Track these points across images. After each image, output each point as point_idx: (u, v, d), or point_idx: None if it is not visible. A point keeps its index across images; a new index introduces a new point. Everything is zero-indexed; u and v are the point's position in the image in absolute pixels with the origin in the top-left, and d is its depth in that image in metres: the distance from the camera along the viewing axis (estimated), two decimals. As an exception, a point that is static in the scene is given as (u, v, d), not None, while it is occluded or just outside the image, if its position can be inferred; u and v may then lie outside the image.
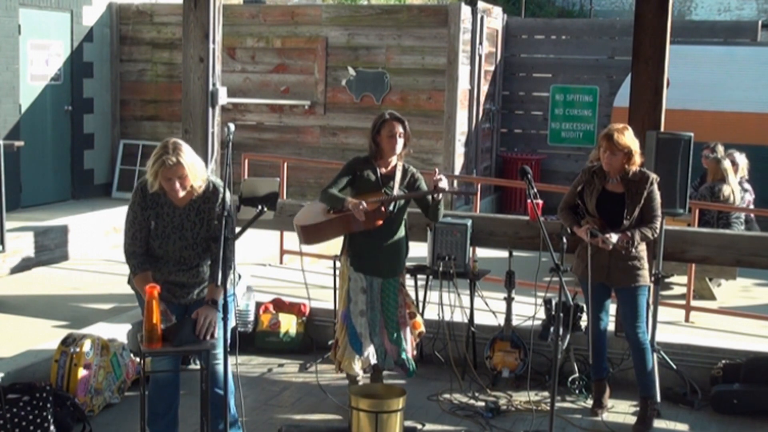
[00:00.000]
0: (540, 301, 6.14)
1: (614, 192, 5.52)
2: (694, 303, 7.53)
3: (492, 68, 13.41)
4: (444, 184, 5.29)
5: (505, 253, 6.42)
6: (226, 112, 10.38)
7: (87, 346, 5.50)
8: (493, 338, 6.27)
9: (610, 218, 5.49)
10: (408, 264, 5.91)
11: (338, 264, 5.87)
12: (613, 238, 5.37)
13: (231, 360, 4.69)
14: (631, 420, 5.63)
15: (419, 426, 5.47)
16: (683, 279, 7.83)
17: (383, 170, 5.54)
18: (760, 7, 21.53)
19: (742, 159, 9.25)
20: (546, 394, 5.99)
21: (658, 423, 5.59)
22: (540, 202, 5.24)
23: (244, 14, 12.09)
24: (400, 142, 5.47)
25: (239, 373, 4.74)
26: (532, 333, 6.23)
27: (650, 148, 5.84)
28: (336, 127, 11.88)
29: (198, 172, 4.48)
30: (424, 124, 11.43)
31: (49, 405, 4.98)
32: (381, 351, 5.64)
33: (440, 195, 5.40)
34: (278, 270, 8.52)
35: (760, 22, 14.13)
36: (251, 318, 6.82)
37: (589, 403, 5.88)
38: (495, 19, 13.23)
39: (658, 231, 5.58)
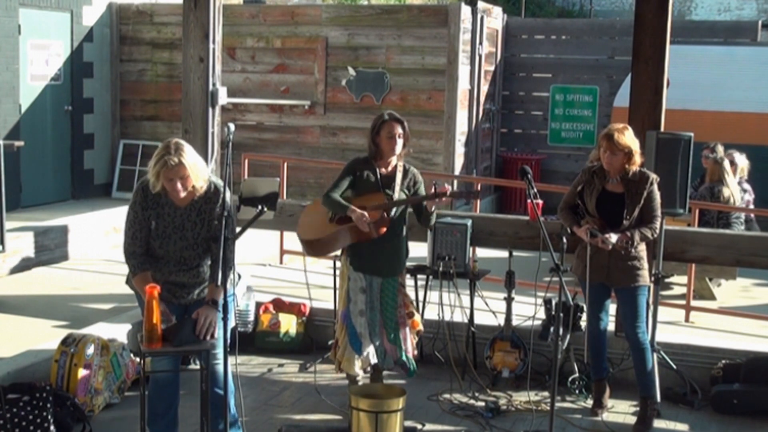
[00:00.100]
0: (540, 301, 6.14)
1: (614, 192, 5.52)
2: (694, 303, 7.53)
3: (492, 68, 13.40)
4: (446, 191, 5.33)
5: (505, 253, 6.42)
6: (226, 112, 10.38)
7: (87, 346, 5.50)
8: (493, 338, 6.28)
9: (609, 218, 5.49)
10: (408, 264, 5.91)
11: (338, 264, 5.87)
12: (613, 238, 5.37)
13: (231, 360, 4.69)
14: (631, 420, 5.63)
15: (419, 426, 5.47)
16: (683, 279, 7.83)
17: (383, 170, 5.54)
18: (760, 7, 21.53)
19: (741, 159, 9.25)
20: (546, 394, 5.99)
21: (658, 423, 5.59)
22: (540, 202, 5.24)
23: (244, 14, 12.09)
24: (400, 142, 5.47)
25: (239, 373, 4.75)
26: (532, 333, 6.23)
27: (650, 148, 5.84)
28: (336, 127, 11.88)
29: (200, 172, 4.49)
30: (424, 124, 11.43)
31: (49, 405, 4.98)
32: (381, 351, 5.64)
33: (433, 208, 5.47)
34: (278, 270, 8.52)
35: (760, 22, 14.12)
36: (251, 318, 6.82)
37: (589, 403, 5.88)
38: (495, 19, 13.23)
39: (657, 231, 5.58)
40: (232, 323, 4.71)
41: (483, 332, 6.46)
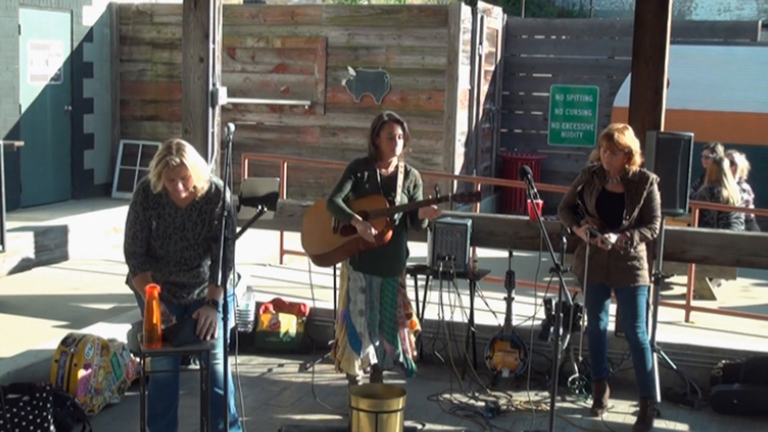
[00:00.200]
0: (540, 301, 6.14)
1: (614, 192, 5.52)
2: (694, 303, 7.53)
3: (492, 68, 13.41)
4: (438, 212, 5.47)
5: (505, 253, 6.42)
6: (226, 112, 10.38)
7: (87, 346, 5.50)
8: (493, 338, 6.27)
9: (609, 218, 5.49)
10: (408, 264, 5.92)
11: (338, 264, 5.87)
12: (612, 238, 5.37)
13: (231, 360, 4.69)
14: (631, 420, 5.63)
15: (419, 426, 5.47)
16: (683, 279, 7.83)
17: (384, 171, 5.54)
18: (760, 7, 21.52)
19: (741, 159, 9.24)
20: (546, 394, 5.99)
21: (658, 423, 5.59)
22: (540, 202, 5.24)
23: (244, 14, 12.09)
24: (400, 143, 5.48)
25: (239, 373, 4.75)
26: (532, 333, 6.22)
27: (650, 148, 5.84)
28: (336, 127, 11.88)
29: (201, 173, 4.49)
30: (424, 124, 11.43)
31: (49, 405, 4.98)
32: (380, 351, 5.65)
33: (426, 223, 5.61)
34: (278, 270, 8.52)
35: (760, 22, 14.12)
36: (251, 318, 6.82)
37: (589, 403, 5.88)
38: (495, 19, 13.23)
39: (657, 231, 5.57)
40: (232, 323, 4.71)
41: (483, 332, 6.46)
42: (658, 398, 5.68)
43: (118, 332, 6.09)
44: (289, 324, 6.81)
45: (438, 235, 6.41)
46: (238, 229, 4.56)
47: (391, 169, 5.56)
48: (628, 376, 6.00)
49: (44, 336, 6.19)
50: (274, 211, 5.02)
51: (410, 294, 6.10)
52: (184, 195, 4.48)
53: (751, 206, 9.07)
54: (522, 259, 6.67)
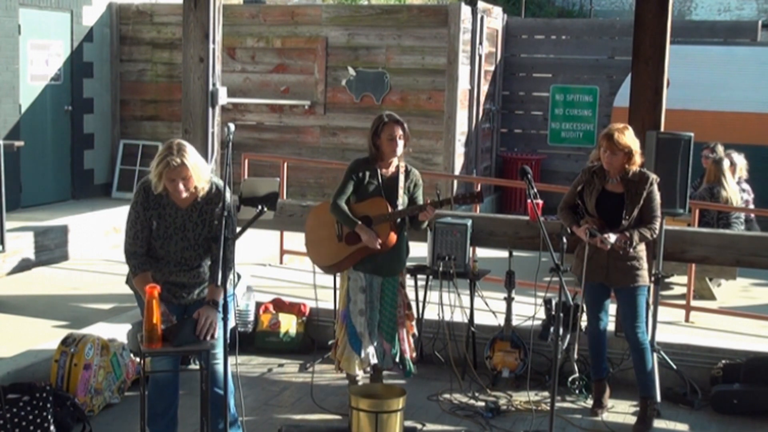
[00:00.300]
0: (540, 301, 6.14)
1: (614, 192, 5.52)
2: (694, 303, 7.53)
3: (492, 68, 13.41)
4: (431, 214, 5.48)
5: (505, 253, 6.42)
6: (226, 112, 10.38)
7: (87, 346, 5.50)
8: (493, 338, 6.27)
9: (609, 218, 5.49)
10: (408, 264, 5.92)
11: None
12: (612, 238, 5.37)
13: (231, 360, 4.69)
14: (631, 420, 5.63)
15: (419, 426, 5.46)
16: (683, 279, 7.83)
17: (384, 171, 5.55)
18: (760, 7, 21.52)
19: (740, 159, 9.24)
20: (546, 394, 5.99)
21: (658, 423, 5.59)
22: (540, 202, 5.24)
23: (244, 14, 12.09)
24: (401, 144, 5.49)
25: (239, 373, 4.75)
26: (532, 333, 6.22)
27: (650, 148, 5.84)
28: (336, 127, 11.88)
29: (202, 173, 4.49)
30: (424, 124, 11.44)
31: (49, 405, 4.98)
32: (380, 351, 5.65)
33: (425, 224, 5.64)
34: (278, 270, 8.52)
35: (760, 22, 14.12)
36: (251, 318, 6.82)
37: (589, 403, 5.88)
38: (495, 19, 13.23)
39: (657, 232, 5.57)
40: (232, 323, 4.71)
41: (483, 332, 6.46)
42: (658, 398, 5.68)
43: (118, 332, 6.09)
44: (289, 324, 6.81)
45: (438, 235, 6.41)
46: (238, 229, 4.57)
47: (392, 169, 5.56)
48: (628, 376, 6.00)
49: (44, 336, 6.19)
50: (274, 211, 5.00)
51: (410, 294, 6.10)
52: (184, 195, 4.48)
53: (751, 206, 9.08)
54: (522, 259, 6.67)
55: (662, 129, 6.11)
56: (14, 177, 9.83)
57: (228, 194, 4.40)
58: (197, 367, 4.97)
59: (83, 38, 11.40)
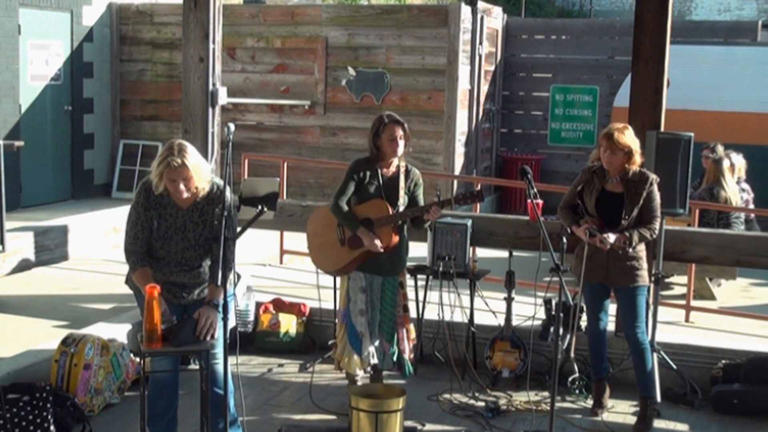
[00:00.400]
0: (540, 301, 6.14)
1: (613, 192, 5.52)
2: (694, 303, 7.53)
3: (492, 68, 13.40)
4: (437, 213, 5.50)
5: (505, 253, 6.42)
6: (226, 112, 10.38)
7: (87, 346, 5.50)
8: (493, 338, 6.27)
9: (609, 218, 5.49)
10: (408, 264, 5.92)
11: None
12: (611, 238, 5.36)
13: (231, 360, 4.69)
14: (631, 420, 5.63)
15: (419, 426, 5.46)
16: (683, 279, 7.83)
17: (385, 171, 5.56)
18: (760, 7, 21.53)
19: (739, 159, 9.23)
20: (546, 394, 5.99)
21: (658, 423, 5.59)
22: (540, 202, 5.25)
23: (244, 14, 12.09)
24: (401, 144, 5.50)
25: (239, 373, 4.74)
26: (532, 333, 6.22)
27: (650, 148, 5.84)
28: (336, 127, 11.88)
29: (202, 173, 4.49)
30: (424, 124, 11.43)
31: (49, 405, 4.98)
32: (380, 351, 5.65)
33: (426, 223, 5.67)
34: (278, 270, 8.52)
35: (760, 22, 14.12)
36: (251, 318, 6.82)
37: (589, 403, 5.88)
38: (495, 19, 13.23)
39: (657, 232, 5.57)
40: (232, 323, 4.72)
41: (483, 332, 6.46)
42: (658, 398, 5.68)
43: (118, 332, 6.09)
44: (289, 324, 6.81)
45: (438, 235, 6.42)
46: (238, 229, 4.57)
47: (392, 169, 5.57)
48: (628, 376, 6.00)
49: (44, 336, 6.19)
50: (274, 211, 5.00)
51: (410, 294, 6.10)
52: (185, 196, 4.48)
53: (751, 206, 9.07)
54: (522, 259, 6.67)
55: (662, 129, 6.11)
56: (14, 177, 9.83)
57: (228, 194, 4.40)
58: (197, 367, 4.97)
59: (83, 38, 11.40)
